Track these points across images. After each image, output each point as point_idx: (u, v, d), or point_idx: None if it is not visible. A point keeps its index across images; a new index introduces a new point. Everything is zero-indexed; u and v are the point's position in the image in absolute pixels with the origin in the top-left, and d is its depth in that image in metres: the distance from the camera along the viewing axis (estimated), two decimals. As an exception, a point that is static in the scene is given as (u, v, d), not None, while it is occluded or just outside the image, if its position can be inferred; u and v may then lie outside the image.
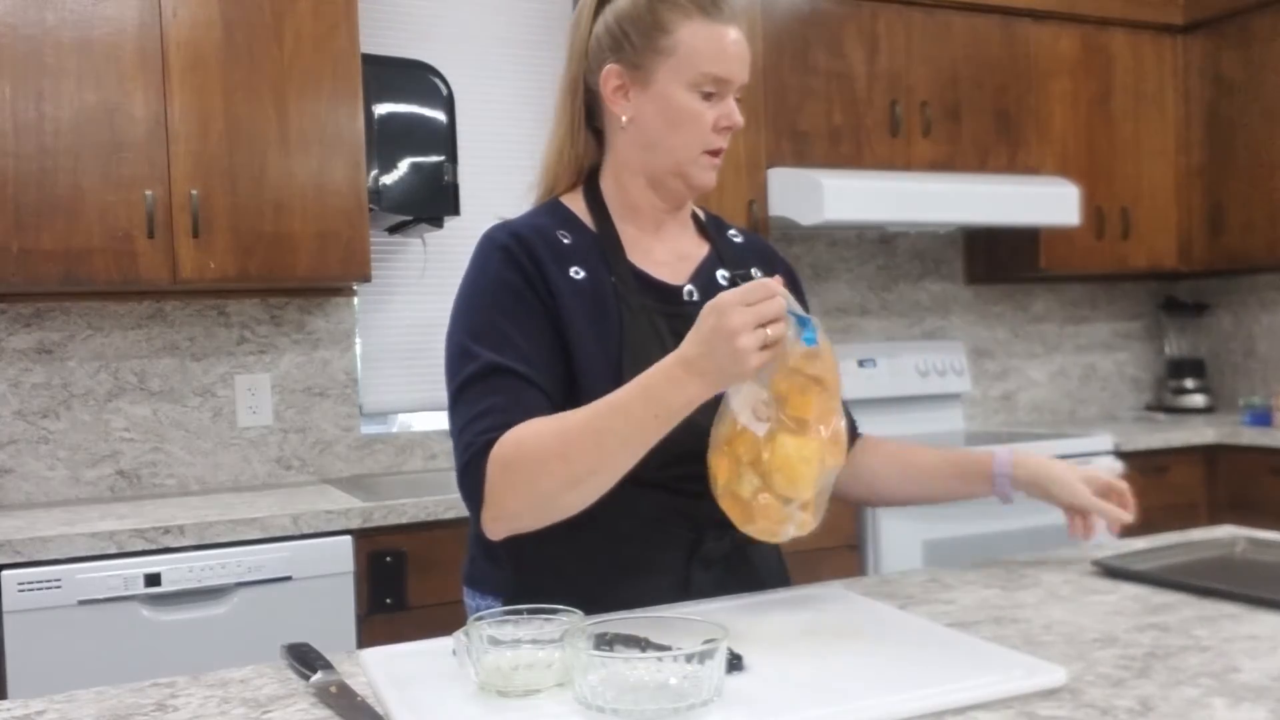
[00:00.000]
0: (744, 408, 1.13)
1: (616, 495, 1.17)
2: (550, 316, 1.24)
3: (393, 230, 2.94)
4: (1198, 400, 3.99)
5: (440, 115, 2.77)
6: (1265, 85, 3.57)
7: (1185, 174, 3.79)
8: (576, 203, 1.35)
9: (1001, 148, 3.47)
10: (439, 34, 3.09)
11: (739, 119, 1.30)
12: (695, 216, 1.45)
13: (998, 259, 3.72)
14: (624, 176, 1.35)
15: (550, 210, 1.35)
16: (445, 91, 2.79)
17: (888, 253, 3.71)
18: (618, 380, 1.20)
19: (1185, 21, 3.76)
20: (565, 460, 1.12)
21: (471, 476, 1.17)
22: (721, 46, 1.27)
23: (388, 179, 2.72)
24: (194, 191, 2.47)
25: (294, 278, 2.59)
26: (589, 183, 1.37)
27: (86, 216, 2.39)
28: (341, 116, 2.61)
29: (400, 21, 3.04)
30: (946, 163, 3.37)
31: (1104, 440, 3.19)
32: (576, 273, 1.27)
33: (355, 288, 2.94)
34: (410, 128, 2.75)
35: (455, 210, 2.78)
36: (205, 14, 2.49)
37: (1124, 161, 3.70)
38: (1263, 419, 3.48)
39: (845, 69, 3.24)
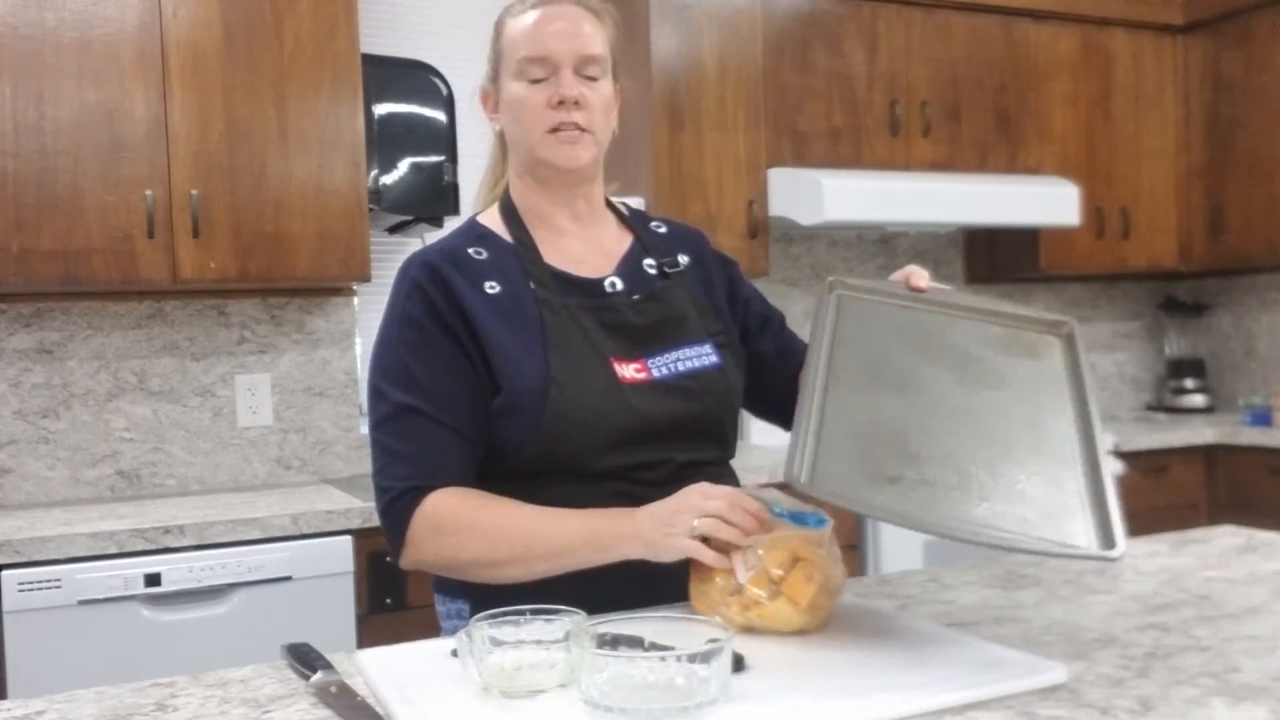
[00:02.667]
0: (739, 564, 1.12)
1: (571, 494, 1.22)
2: (461, 344, 1.26)
3: (393, 230, 2.94)
4: (1198, 400, 3.99)
5: (440, 115, 2.77)
6: (1265, 85, 3.57)
7: (1185, 174, 3.79)
8: (492, 218, 1.39)
9: (1001, 148, 3.47)
10: (439, 34, 3.09)
11: (569, 91, 1.29)
12: (618, 212, 1.46)
13: (998, 259, 3.73)
14: (517, 183, 1.39)
15: (465, 231, 1.39)
16: (445, 91, 2.79)
17: (888, 253, 3.71)
18: (547, 380, 1.23)
19: (1185, 21, 3.76)
20: (491, 546, 1.20)
21: (393, 520, 1.25)
22: (530, 29, 1.31)
23: (388, 179, 2.72)
24: (194, 191, 2.47)
25: (294, 278, 2.59)
26: (504, 197, 1.41)
27: (86, 216, 2.39)
28: (341, 116, 2.61)
29: (400, 21, 3.04)
30: (946, 163, 3.37)
31: (1104, 440, 3.18)
32: (492, 287, 1.30)
33: (355, 288, 2.94)
34: (410, 128, 2.75)
35: (455, 210, 2.78)
36: (205, 14, 2.49)
37: (1124, 161, 3.70)
38: (1263, 419, 3.48)
39: (845, 69, 3.24)
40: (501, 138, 1.42)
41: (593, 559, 1.16)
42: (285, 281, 2.61)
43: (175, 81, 2.47)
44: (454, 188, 2.77)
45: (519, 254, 1.33)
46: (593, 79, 1.32)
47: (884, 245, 3.70)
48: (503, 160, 1.44)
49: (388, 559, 2.35)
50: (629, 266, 1.38)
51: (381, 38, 2.98)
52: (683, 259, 1.42)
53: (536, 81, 1.30)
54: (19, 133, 2.34)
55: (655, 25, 2.99)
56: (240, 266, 2.52)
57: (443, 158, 2.75)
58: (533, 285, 1.30)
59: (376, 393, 1.28)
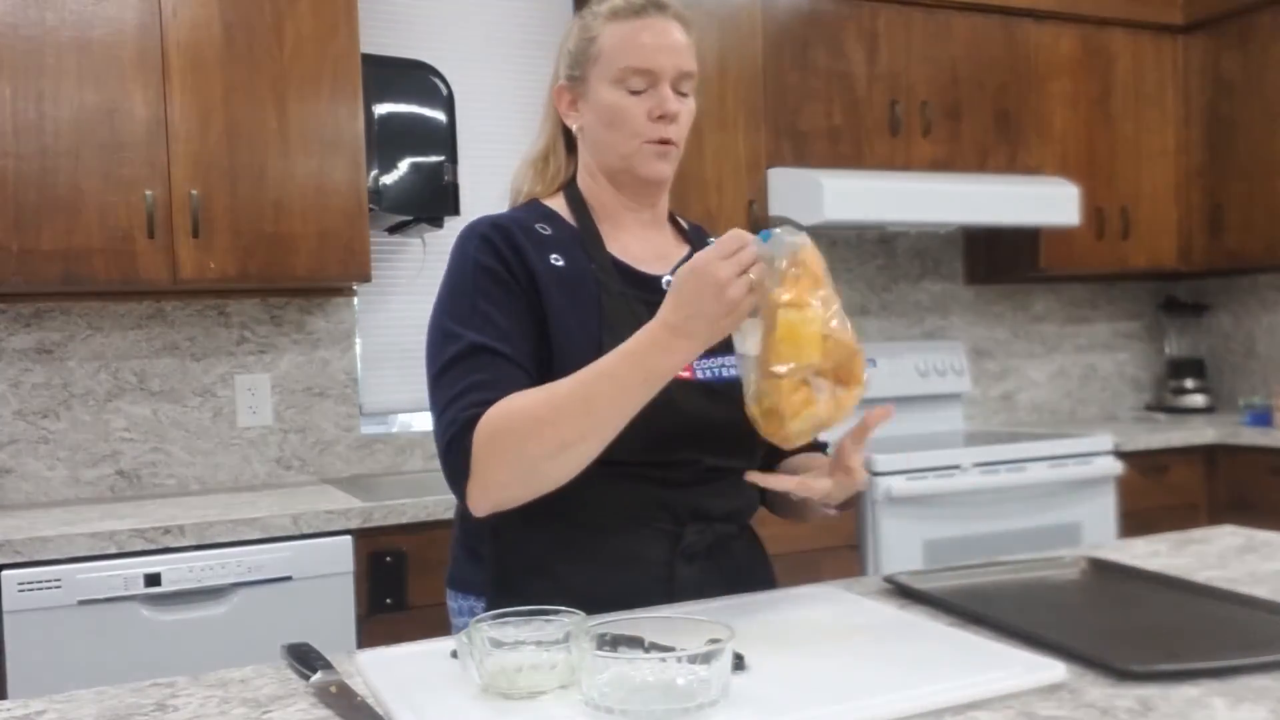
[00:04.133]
0: (751, 355, 1.12)
1: (597, 488, 1.21)
2: (529, 300, 1.27)
3: (393, 230, 2.94)
4: (1198, 400, 3.99)
5: (440, 115, 2.77)
6: (1265, 85, 3.57)
7: (1185, 174, 3.79)
8: (557, 202, 1.41)
9: (1001, 148, 3.47)
10: (439, 34, 3.09)
11: (673, 107, 1.32)
12: (677, 223, 1.49)
13: (998, 259, 3.73)
14: (588, 179, 1.41)
15: (530, 207, 1.40)
16: (445, 91, 2.79)
17: (888, 253, 3.71)
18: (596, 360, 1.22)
19: (1185, 21, 3.76)
20: (554, 425, 1.14)
21: (456, 451, 1.19)
22: (638, 41, 1.32)
23: (388, 179, 2.71)
24: (194, 191, 2.47)
25: (294, 278, 2.59)
26: (569, 186, 1.42)
27: (86, 216, 2.39)
28: (341, 116, 2.60)
29: (400, 21, 3.04)
30: (946, 163, 3.37)
31: (1104, 440, 3.19)
32: (556, 260, 1.31)
33: (355, 288, 2.94)
34: (410, 128, 2.75)
35: (455, 210, 2.78)
36: (205, 14, 2.49)
37: (1124, 161, 3.70)
38: (1263, 419, 3.48)
39: (845, 69, 3.24)
40: (564, 131, 1.42)
41: (653, 392, 1.14)
42: (285, 281, 2.61)
43: (175, 81, 2.47)
44: (454, 188, 2.77)
45: (581, 237, 1.35)
46: (684, 94, 1.35)
47: (884, 245, 3.70)
48: (565, 154, 1.44)
49: (388, 559, 2.35)
50: None
51: (381, 38, 2.98)
52: None
53: (636, 93, 1.32)
54: (19, 133, 2.34)
55: (655, 25, 2.99)
56: (240, 266, 2.52)
57: (443, 158, 2.75)
58: (594, 267, 1.32)
59: (446, 335, 1.25)
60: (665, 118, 1.32)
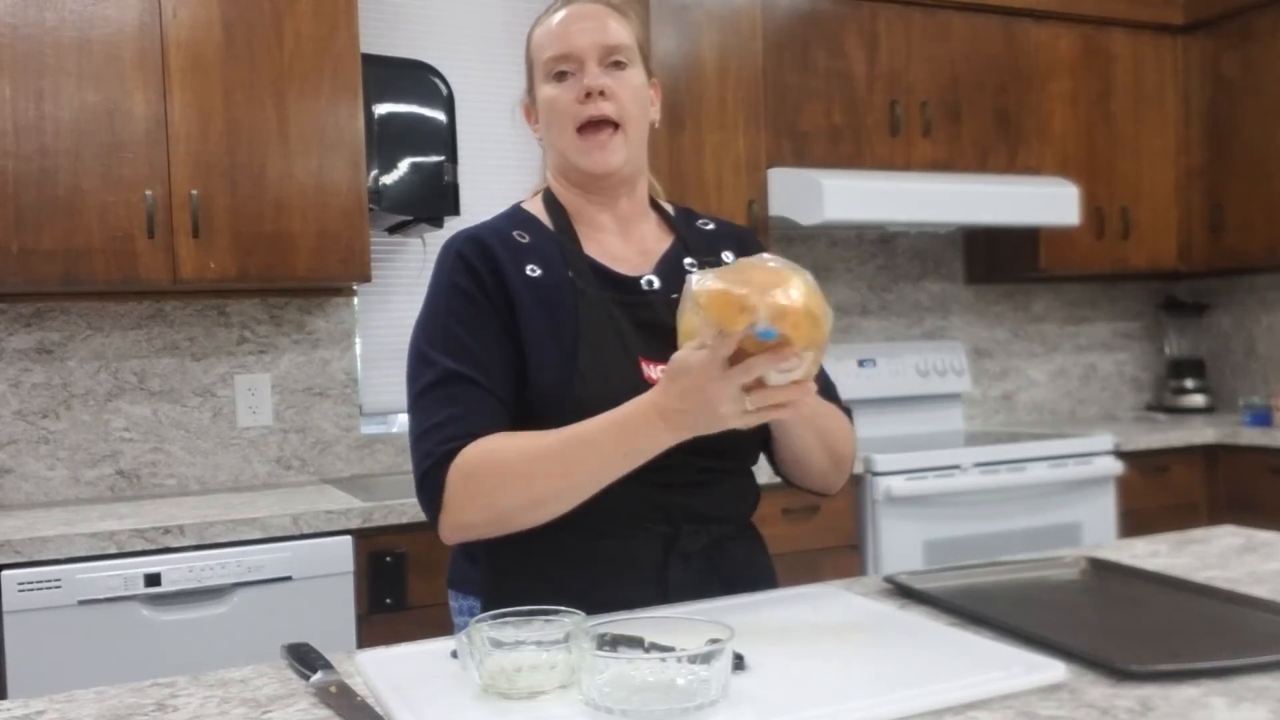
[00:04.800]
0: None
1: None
2: (503, 316, 1.27)
3: (393, 230, 2.94)
4: (1198, 400, 3.99)
5: (440, 115, 2.77)
6: (1265, 85, 3.57)
7: (1185, 174, 3.79)
8: (535, 206, 1.41)
9: (1001, 148, 3.47)
10: (439, 34, 3.09)
11: (596, 82, 1.30)
12: (664, 212, 1.46)
13: (998, 259, 3.73)
14: (556, 184, 1.41)
15: (510, 215, 1.40)
16: (445, 91, 2.79)
17: (888, 253, 3.71)
18: (572, 370, 1.23)
19: (1185, 21, 3.76)
20: (529, 481, 1.16)
21: (431, 484, 1.21)
22: (553, 30, 1.33)
23: (388, 179, 2.72)
24: (194, 191, 2.47)
25: (294, 278, 2.59)
26: (547, 189, 1.42)
27: (86, 216, 2.39)
28: (341, 116, 2.61)
29: (400, 21, 3.04)
30: (946, 163, 3.37)
31: (1104, 440, 3.19)
32: (533, 270, 1.31)
33: (355, 288, 2.94)
34: (410, 128, 2.75)
35: (455, 210, 2.78)
36: (205, 14, 2.49)
37: (1124, 161, 3.70)
38: (1263, 419, 3.48)
39: (845, 69, 3.24)
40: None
41: (635, 465, 1.14)
42: (285, 281, 2.61)
43: (175, 81, 2.47)
44: (454, 188, 2.77)
45: (560, 242, 1.34)
46: (620, 67, 1.32)
47: (884, 245, 3.70)
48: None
49: (388, 559, 2.35)
50: (668, 265, 1.38)
51: (381, 38, 2.98)
52: (727, 256, 1.41)
53: (563, 80, 1.32)
54: (19, 133, 2.34)
55: (655, 25, 2.99)
56: (240, 266, 2.52)
57: (443, 158, 2.75)
58: (571, 274, 1.31)
59: (422, 360, 1.27)
60: (591, 96, 1.30)
